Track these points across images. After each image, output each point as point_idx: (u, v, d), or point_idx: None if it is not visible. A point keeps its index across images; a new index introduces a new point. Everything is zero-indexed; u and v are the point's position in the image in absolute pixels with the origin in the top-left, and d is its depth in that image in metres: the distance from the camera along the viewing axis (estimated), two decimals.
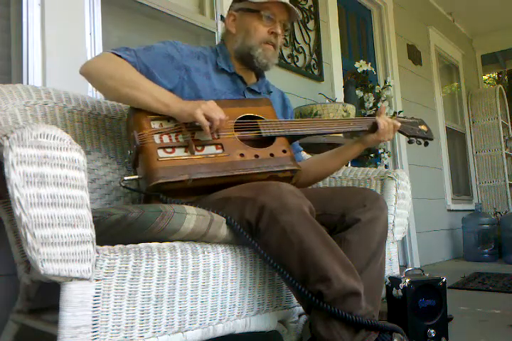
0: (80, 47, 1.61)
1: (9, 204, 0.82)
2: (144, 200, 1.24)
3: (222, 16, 1.59)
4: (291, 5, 1.40)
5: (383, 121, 1.43)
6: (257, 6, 1.38)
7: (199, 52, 1.39)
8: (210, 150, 1.21)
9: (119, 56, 1.23)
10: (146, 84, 1.21)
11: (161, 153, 1.16)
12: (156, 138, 1.18)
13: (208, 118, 1.16)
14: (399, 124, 1.47)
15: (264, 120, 1.31)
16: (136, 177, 1.20)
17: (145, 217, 0.96)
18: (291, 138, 1.36)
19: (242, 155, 1.21)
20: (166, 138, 1.19)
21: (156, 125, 1.21)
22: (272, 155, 1.25)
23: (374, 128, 1.44)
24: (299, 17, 1.45)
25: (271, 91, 1.53)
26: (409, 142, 1.56)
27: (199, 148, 1.20)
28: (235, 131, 1.26)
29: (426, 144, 1.57)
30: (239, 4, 1.42)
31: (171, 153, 1.17)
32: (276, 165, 1.23)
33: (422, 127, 1.57)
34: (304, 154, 1.67)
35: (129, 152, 1.28)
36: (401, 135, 3.83)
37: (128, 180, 1.19)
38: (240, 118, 1.29)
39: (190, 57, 1.35)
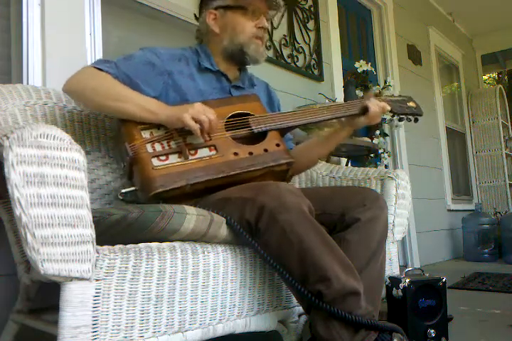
0: (80, 48, 1.61)
1: (9, 204, 0.82)
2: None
3: (195, 15, 1.56)
4: None
5: (373, 105, 1.39)
6: (238, 2, 1.36)
7: (180, 54, 1.38)
8: (203, 152, 1.20)
9: (100, 69, 1.22)
10: (131, 95, 1.21)
11: (155, 161, 1.15)
12: (149, 147, 1.17)
13: (197, 121, 1.16)
14: (389, 108, 1.45)
15: (254, 116, 1.31)
16: (134, 188, 1.19)
17: (145, 217, 0.96)
18: (283, 131, 1.35)
19: (236, 154, 1.21)
20: (158, 146, 1.18)
21: (146, 134, 1.20)
22: (265, 150, 1.24)
23: (364, 111, 1.41)
24: (281, 7, 1.42)
25: (255, 85, 1.52)
26: (400, 120, 1.56)
27: (192, 152, 1.19)
28: (226, 130, 1.25)
29: (416, 120, 1.56)
30: (217, 2, 1.39)
31: (164, 160, 1.16)
32: (272, 160, 1.23)
33: (411, 104, 1.56)
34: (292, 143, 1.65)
35: (122, 165, 1.27)
36: (401, 135, 3.78)
37: (126, 192, 1.18)
38: (230, 117, 1.28)
39: (171, 61, 1.33)
